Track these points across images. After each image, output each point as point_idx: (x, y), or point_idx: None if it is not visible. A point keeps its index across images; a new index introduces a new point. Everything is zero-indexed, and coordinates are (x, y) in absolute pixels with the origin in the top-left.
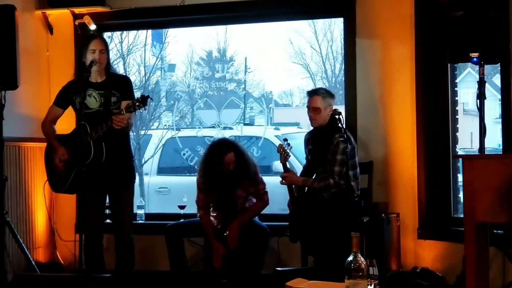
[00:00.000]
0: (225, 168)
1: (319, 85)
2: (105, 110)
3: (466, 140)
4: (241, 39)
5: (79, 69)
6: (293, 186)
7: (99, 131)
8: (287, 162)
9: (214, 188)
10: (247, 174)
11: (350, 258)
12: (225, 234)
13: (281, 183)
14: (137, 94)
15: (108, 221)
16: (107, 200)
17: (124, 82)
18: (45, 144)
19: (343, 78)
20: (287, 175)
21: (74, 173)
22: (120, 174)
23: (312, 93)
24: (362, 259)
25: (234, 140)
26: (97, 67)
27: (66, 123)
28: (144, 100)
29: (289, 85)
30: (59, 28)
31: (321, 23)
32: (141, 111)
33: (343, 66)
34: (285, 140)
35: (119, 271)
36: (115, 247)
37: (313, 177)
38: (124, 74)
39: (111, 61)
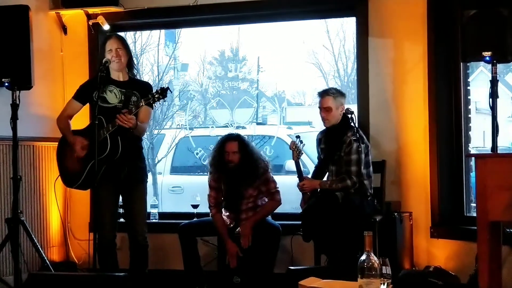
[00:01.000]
0: (227, 157)
1: (332, 84)
2: (123, 107)
3: (479, 138)
4: (253, 39)
5: (99, 67)
6: None
7: (115, 125)
8: (299, 160)
9: (223, 185)
10: (254, 171)
11: (363, 257)
12: (236, 231)
13: (303, 191)
14: None
15: (121, 220)
16: (120, 199)
17: (145, 86)
18: None
19: (356, 77)
20: (305, 183)
21: (89, 167)
22: (132, 173)
23: (323, 94)
24: (375, 258)
25: (243, 136)
26: (118, 66)
27: (81, 120)
28: (163, 91)
29: (301, 84)
30: (73, 28)
31: (333, 22)
32: (160, 103)
33: (355, 65)
34: (298, 137)
35: (133, 270)
36: (129, 246)
37: (327, 178)
38: (146, 81)
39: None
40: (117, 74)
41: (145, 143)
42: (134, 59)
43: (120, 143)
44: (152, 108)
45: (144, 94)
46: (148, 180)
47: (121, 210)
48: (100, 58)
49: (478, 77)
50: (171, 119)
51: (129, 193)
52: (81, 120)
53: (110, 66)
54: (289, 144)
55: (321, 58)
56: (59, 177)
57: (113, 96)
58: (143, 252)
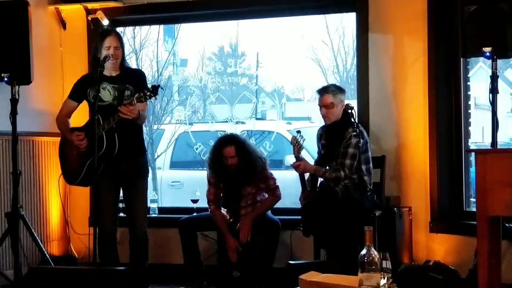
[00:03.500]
0: (226, 162)
1: (331, 80)
2: (118, 104)
3: (478, 134)
4: (253, 34)
5: (93, 63)
6: (306, 180)
7: (111, 122)
8: (300, 155)
9: (221, 183)
10: (253, 171)
11: (364, 251)
12: (236, 227)
13: (297, 170)
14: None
15: (121, 214)
16: (121, 194)
17: (138, 76)
18: (59, 138)
19: (355, 73)
20: (300, 164)
21: (88, 164)
22: (133, 168)
23: (322, 92)
24: (376, 252)
25: (241, 136)
26: (112, 64)
27: (80, 117)
28: (154, 89)
29: (300, 80)
30: (72, 23)
31: (333, 18)
32: (152, 101)
33: (355, 61)
34: (299, 132)
35: (133, 265)
36: (129, 241)
37: (326, 168)
38: (138, 68)
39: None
40: (109, 70)
41: (145, 138)
42: (133, 54)
43: (117, 140)
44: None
45: (137, 85)
46: (149, 174)
47: (121, 205)
48: (94, 52)
49: (477, 73)
50: (170, 114)
51: (129, 188)
52: (81, 118)
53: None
54: (290, 139)
55: (321, 54)
56: (62, 174)
57: (107, 94)
58: (143, 247)
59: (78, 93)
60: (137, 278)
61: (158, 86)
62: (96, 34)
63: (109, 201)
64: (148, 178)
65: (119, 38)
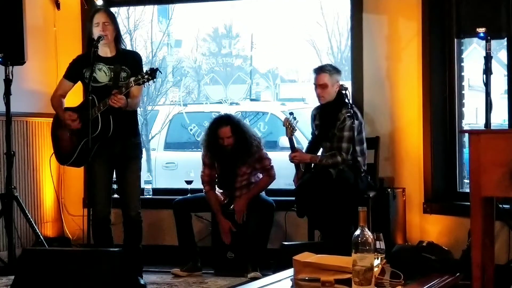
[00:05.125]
0: (222, 143)
1: (325, 61)
2: (114, 85)
3: (471, 115)
4: (247, 15)
5: (89, 45)
6: None
7: (106, 105)
8: (293, 137)
9: (217, 164)
10: (249, 151)
11: (357, 232)
12: (230, 207)
13: (292, 161)
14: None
15: (115, 196)
16: (115, 176)
17: (134, 58)
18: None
19: (349, 54)
20: (296, 155)
21: (81, 145)
22: (127, 149)
23: (318, 71)
24: (369, 233)
25: (235, 116)
26: (105, 40)
27: (74, 98)
28: (153, 72)
29: (295, 61)
30: (66, 3)
31: None
32: (149, 84)
33: (349, 42)
34: (291, 114)
35: (127, 246)
36: (123, 222)
37: (321, 154)
38: (134, 50)
39: None
40: (104, 50)
41: (139, 119)
42: (127, 35)
43: (111, 122)
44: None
45: (133, 67)
46: (142, 156)
47: (114, 186)
48: (88, 32)
49: (471, 54)
50: (164, 95)
51: (123, 169)
52: (75, 99)
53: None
54: (283, 121)
55: (315, 35)
56: (53, 154)
57: (102, 75)
58: (137, 228)
59: (73, 73)
60: (131, 260)
61: (157, 69)
62: (89, 15)
63: (103, 182)
64: (142, 159)
65: (108, 14)
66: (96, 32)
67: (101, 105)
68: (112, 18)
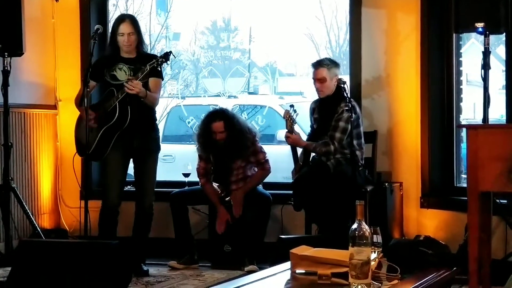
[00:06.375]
0: (215, 137)
1: (323, 55)
2: None
3: (469, 110)
4: (246, 9)
5: (110, 46)
6: (298, 155)
7: (124, 93)
8: (293, 129)
9: (211, 157)
10: (242, 145)
11: (355, 226)
12: (226, 199)
13: (286, 141)
14: None
15: (128, 188)
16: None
17: (152, 59)
18: (50, 110)
19: (348, 48)
20: (291, 136)
21: (100, 136)
22: (146, 143)
23: (317, 65)
24: (366, 227)
25: (229, 110)
26: (128, 49)
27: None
28: (166, 55)
29: (293, 55)
30: None
31: None
32: (164, 67)
33: (347, 36)
34: (292, 106)
35: (136, 236)
36: (135, 213)
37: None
38: (154, 54)
39: None
40: (127, 52)
41: None
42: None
43: (129, 112)
44: (161, 78)
45: (152, 68)
46: (160, 150)
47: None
48: (112, 38)
49: (469, 49)
50: (162, 88)
51: (141, 162)
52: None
53: (120, 47)
54: (283, 113)
55: (313, 29)
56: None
57: (122, 74)
58: (148, 220)
59: (95, 73)
60: (137, 249)
61: (170, 52)
62: (114, 21)
63: (118, 174)
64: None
65: (133, 24)
66: (121, 41)
67: (119, 94)
68: (136, 27)
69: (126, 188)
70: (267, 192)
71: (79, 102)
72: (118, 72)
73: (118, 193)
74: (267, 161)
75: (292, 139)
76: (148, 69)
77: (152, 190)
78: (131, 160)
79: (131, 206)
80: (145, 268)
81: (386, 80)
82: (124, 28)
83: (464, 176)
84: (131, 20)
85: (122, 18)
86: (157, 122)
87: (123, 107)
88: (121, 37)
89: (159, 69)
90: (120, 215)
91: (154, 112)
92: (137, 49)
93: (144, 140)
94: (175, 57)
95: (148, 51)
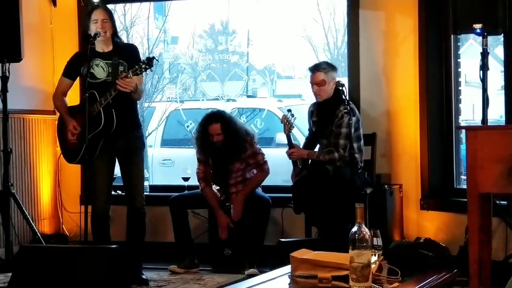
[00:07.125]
0: (212, 139)
1: (322, 57)
2: (113, 80)
3: (468, 111)
4: (243, 12)
5: (84, 40)
6: None
7: (108, 97)
8: (291, 133)
9: (210, 160)
10: (240, 147)
11: (355, 228)
12: (226, 204)
13: (290, 158)
14: None
15: (118, 192)
16: (117, 170)
17: (130, 50)
18: (50, 116)
19: (346, 51)
20: (294, 151)
21: (86, 143)
22: (130, 142)
23: (314, 69)
24: (366, 230)
25: (226, 113)
26: (102, 37)
27: (73, 98)
28: (149, 61)
29: (291, 58)
30: (62, 1)
31: None
32: (147, 73)
33: (345, 39)
34: (289, 111)
35: (131, 240)
36: (127, 215)
37: (318, 150)
38: (130, 43)
39: None
40: (101, 46)
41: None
42: (123, 31)
43: (114, 116)
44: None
45: (130, 60)
46: (145, 147)
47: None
48: (84, 28)
49: (468, 50)
50: (161, 92)
51: (127, 161)
52: (73, 96)
53: (95, 41)
54: (281, 117)
55: (311, 32)
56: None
57: (100, 71)
58: (141, 220)
59: (71, 71)
60: (134, 253)
61: (153, 58)
62: (86, 11)
63: (104, 178)
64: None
65: (106, 11)
66: (94, 28)
67: (103, 100)
68: (110, 16)
69: (117, 193)
70: (267, 195)
71: (61, 102)
72: (96, 69)
73: (106, 198)
74: (265, 162)
75: (295, 154)
76: (131, 76)
77: (142, 189)
78: (117, 160)
79: (124, 210)
80: (144, 276)
81: (384, 82)
82: (97, 14)
83: (463, 177)
84: (104, 8)
85: (95, 6)
86: (139, 117)
87: (107, 111)
88: (95, 24)
89: (140, 72)
90: (114, 220)
91: (136, 109)
92: (112, 40)
93: (128, 139)
94: (157, 61)
95: (147, 55)
